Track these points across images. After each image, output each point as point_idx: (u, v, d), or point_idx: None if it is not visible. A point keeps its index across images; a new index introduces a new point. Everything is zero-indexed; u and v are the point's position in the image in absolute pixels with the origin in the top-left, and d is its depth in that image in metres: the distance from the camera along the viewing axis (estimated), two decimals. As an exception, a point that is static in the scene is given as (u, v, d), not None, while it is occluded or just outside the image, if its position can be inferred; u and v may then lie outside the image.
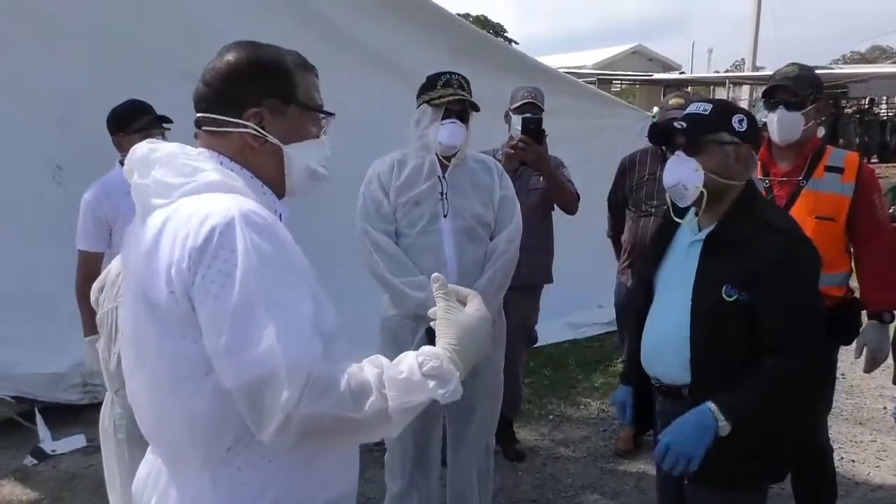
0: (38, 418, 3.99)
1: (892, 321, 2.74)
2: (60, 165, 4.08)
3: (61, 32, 4.01)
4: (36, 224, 3.99)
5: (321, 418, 1.16)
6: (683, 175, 1.99)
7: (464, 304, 1.38)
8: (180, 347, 1.21)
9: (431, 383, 1.22)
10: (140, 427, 1.38)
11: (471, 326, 1.33)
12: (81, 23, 4.06)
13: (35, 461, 3.83)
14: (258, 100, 1.34)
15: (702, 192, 1.97)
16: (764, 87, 2.95)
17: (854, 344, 2.79)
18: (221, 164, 1.32)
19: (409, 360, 1.24)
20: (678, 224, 2.14)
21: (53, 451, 3.89)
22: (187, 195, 1.25)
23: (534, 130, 3.50)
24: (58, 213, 3.84)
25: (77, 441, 3.94)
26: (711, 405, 1.86)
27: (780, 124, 2.68)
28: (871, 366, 2.80)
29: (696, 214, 2.09)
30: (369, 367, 1.23)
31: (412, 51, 4.87)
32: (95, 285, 2.28)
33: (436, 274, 1.39)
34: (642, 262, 3.07)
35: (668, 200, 2.11)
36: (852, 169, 2.68)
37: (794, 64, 2.83)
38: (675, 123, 2.05)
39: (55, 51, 4.00)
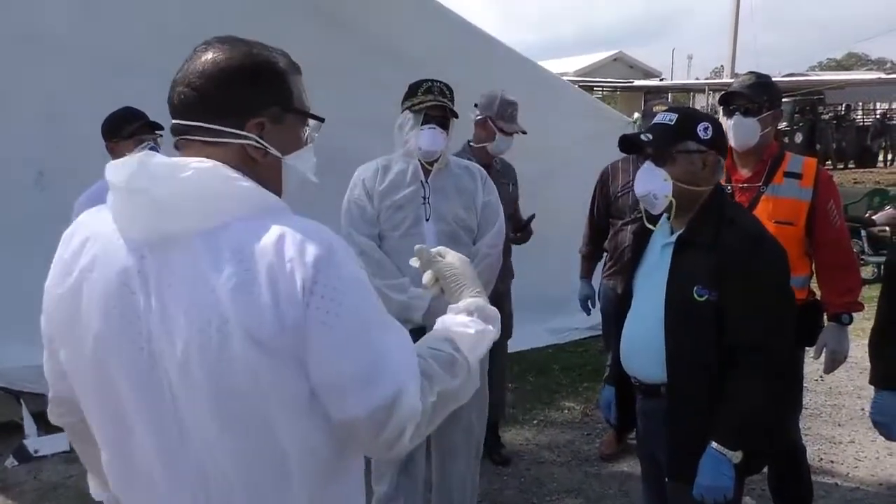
0: (25, 411, 3.96)
1: (850, 323, 2.82)
2: (42, 171, 4.11)
3: (44, 40, 4.00)
4: (21, 227, 3.99)
5: (434, 408, 1.20)
6: (653, 185, 2.06)
7: (443, 257, 1.50)
8: (291, 381, 1.13)
9: (490, 327, 1.34)
10: (175, 476, 1.17)
11: (468, 271, 1.46)
12: (64, 30, 4.06)
13: (16, 462, 3.81)
14: (260, 108, 1.21)
15: (671, 202, 2.04)
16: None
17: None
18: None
19: (463, 318, 1.34)
20: (652, 229, 2.19)
21: (36, 451, 3.87)
22: (247, 218, 1.14)
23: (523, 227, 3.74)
24: (42, 217, 3.85)
25: (61, 441, 3.91)
26: (714, 445, 1.96)
27: (736, 130, 2.75)
28: (831, 366, 2.88)
29: (669, 219, 2.15)
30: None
31: (415, 49, 4.87)
32: None
33: (417, 246, 1.51)
34: (624, 269, 3.12)
35: (642, 208, 2.16)
36: (810, 175, 2.76)
37: (751, 73, 2.95)
38: (643, 136, 2.11)
39: (37, 58, 4.00)
